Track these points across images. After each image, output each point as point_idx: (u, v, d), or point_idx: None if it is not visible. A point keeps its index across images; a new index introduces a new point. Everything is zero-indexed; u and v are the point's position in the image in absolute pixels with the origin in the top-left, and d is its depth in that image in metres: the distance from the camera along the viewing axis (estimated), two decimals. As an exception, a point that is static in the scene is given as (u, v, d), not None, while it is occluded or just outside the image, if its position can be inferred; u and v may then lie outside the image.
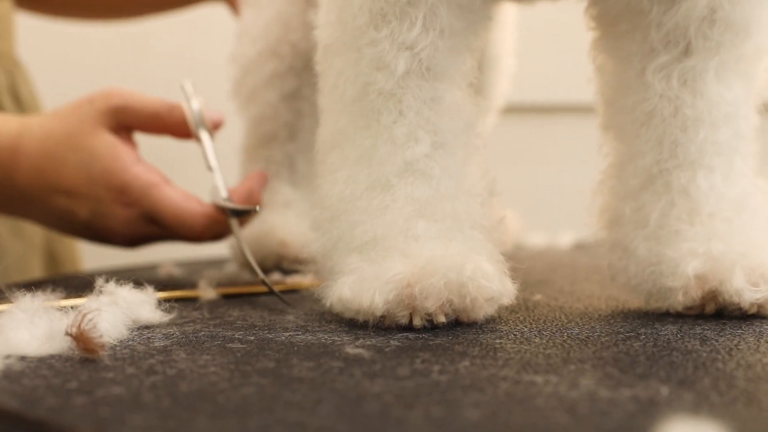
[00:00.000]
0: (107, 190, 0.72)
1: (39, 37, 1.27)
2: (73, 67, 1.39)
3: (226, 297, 0.67)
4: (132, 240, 0.75)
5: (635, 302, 0.61)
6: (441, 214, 0.55)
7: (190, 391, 0.40)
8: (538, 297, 0.65)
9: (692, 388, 0.39)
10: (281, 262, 0.82)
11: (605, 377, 0.41)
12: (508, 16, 0.94)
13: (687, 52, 0.59)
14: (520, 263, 0.58)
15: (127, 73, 1.39)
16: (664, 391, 0.39)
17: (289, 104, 0.90)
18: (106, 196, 0.72)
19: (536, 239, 1.09)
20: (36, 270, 0.97)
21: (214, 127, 0.74)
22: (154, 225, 0.73)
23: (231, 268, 0.85)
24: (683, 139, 0.59)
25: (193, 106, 0.73)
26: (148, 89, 0.76)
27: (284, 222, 0.85)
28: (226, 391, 0.40)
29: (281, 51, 0.89)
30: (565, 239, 1.09)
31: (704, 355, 0.46)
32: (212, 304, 0.64)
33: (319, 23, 0.59)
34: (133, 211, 0.72)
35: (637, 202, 0.60)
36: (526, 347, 0.48)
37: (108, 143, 0.72)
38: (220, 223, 0.72)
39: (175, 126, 0.74)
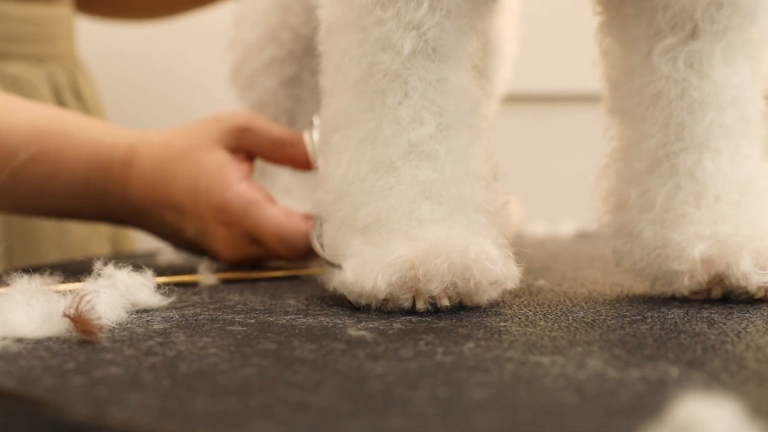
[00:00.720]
0: (208, 208, 0.70)
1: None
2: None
3: (226, 282, 0.66)
4: (236, 261, 0.72)
5: (640, 287, 0.61)
6: (445, 196, 0.55)
7: (190, 372, 0.39)
8: (541, 282, 0.64)
9: (702, 369, 0.39)
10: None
11: (613, 358, 0.41)
12: (510, 2, 0.93)
13: (694, 34, 0.58)
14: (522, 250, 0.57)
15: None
16: (674, 371, 0.38)
17: (289, 90, 0.89)
18: (208, 214, 0.70)
19: (536, 228, 1.09)
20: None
21: None
22: (257, 245, 0.71)
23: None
24: (690, 122, 0.58)
25: (315, 136, 0.71)
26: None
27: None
28: (227, 372, 0.39)
29: (281, 36, 0.88)
30: (565, 228, 1.08)
31: (712, 337, 0.45)
32: (212, 289, 0.63)
33: (323, 2, 0.58)
34: (234, 230, 0.70)
35: (642, 185, 0.59)
36: (531, 330, 0.47)
37: (219, 159, 0.70)
38: None
39: (296, 155, 0.72)
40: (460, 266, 0.51)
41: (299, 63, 0.88)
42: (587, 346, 0.43)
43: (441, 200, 0.55)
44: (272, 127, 0.72)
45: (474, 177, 0.56)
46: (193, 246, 0.74)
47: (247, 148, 0.72)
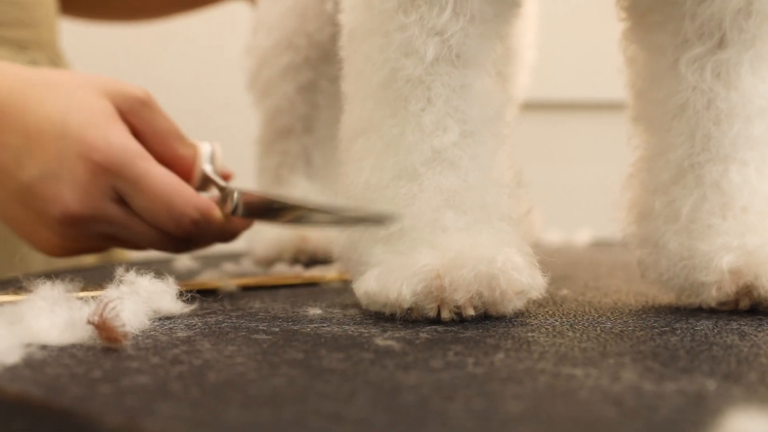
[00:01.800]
0: (78, 144, 0.58)
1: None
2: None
3: (246, 289, 0.66)
4: (77, 220, 0.60)
5: (664, 298, 0.60)
6: (469, 204, 0.54)
7: (219, 381, 0.39)
8: (564, 292, 0.63)
9: (739, 383, 0.38)
10: (299, 256, 0.81)
11: (647, 371, 0.40)
12: (529, 8, 0.93)
13: (721, 44, 0.58)
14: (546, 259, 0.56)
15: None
16: (711, 385, 0.38)
17: (306, 96, 0.88)
18: (75, 152, 0.58)
19: (552, 236, 1.08)
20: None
21: (225, 177, 0.65)
22: (119, 206, 0.60)
23: (248, 262, 0.84)
24: (716, 133, 0.58)
25: (208, 150, 0.65)
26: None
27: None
28: (256, 382, 0.39)
29: (297, 42, 0.88)
30: (582, 237, 1.08)
31: (745, 350, 0.45)
32: (233, 296, 0.63)
33: (344, 7, 0.58)
34: (101, 181, 0.59)
35: (667, 196, 0.58)
36: (560, 341, 0.47)
37: (105, 106, 0.60)
38: (216, 225, 0.61)
39: (181, 156, 0.64)
40: (486, 275, 0.51)
41: (315, 69, 0.88)
42: (619, 358, 0.43)
43: (465, 208, 0.54)
44: (170, 119, 0.64)
45: (498, 184, 0.56)
46: (15, 198, 0.61)
47: (136, 122, 0.62)
